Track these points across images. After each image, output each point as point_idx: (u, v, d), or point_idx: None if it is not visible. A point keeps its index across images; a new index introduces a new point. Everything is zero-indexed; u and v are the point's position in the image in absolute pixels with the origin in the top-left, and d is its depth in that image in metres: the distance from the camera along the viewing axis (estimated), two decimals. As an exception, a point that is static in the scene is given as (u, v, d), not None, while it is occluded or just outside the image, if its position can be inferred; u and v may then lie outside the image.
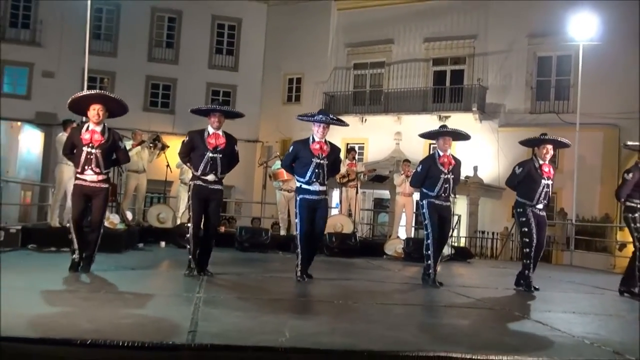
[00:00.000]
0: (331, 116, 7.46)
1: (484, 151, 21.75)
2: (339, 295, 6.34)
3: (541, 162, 7.49)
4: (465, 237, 18.98)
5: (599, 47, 16.83)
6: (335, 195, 17.35)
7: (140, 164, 11.53)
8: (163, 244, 11.30)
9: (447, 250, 11.98)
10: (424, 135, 8.15)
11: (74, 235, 6.86)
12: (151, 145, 11.87)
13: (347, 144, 22.24)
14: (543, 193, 7.42)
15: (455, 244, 13.89)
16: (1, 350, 3.25)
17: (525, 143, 8.12)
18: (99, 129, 6.78)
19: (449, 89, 24.15)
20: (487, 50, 23.34)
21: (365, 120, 24.44)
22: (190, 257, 7.07)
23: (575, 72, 17.42)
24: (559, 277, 9.55)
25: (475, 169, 20.87)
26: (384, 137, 23.93)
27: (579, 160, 15.53)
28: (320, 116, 7.23)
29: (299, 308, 5.60)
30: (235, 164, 7.46)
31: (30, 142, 12.79)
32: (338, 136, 24.32)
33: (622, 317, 6.08)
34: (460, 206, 18.11)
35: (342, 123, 7.94)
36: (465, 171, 20.18)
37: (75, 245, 6.85)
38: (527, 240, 7.49)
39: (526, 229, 7.47)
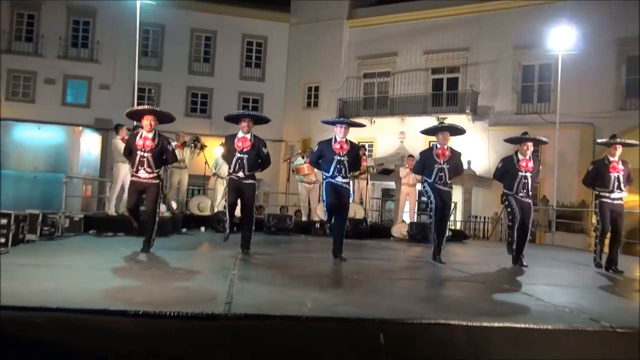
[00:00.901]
0: (350, 119, 7.49)
1: (477, 147, 21.61)
2: (353, 272, 6.34)
3: (521, 157, 7.45)
4: (461, 221, 18.88)
5: (576, 56, 16.63)
6: (349, 186, 17.34)
7: (182, 162, 11.61)
8: (203, 228, 11.37)
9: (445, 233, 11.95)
10: (425, 132, 8.11)
11: (134, 222, 7.14)
12: (192, 145, 11.93)
13: (359, 142, 22.06)
14: (521, 183, 7.39)
15: (452, 227, 13.83)
16: (65, 320, 3.28)
17: (509, 141, 8.11)
18: (150, 135, 6.91)
19: (445, 94, 23.97)
20: (478, 60, 23.15)
21: (374, 121, 24.32)
22: (226, 226, 7.26)
23: (555, 78, 17.27)
24: (543, 255, 9.47)
25: (469, 162, 20.75)
26: (390, 136, 23.87)
27: (559, 154, 15.40)
28: (341, 119, 7.28)
29: (319, 283, 5.60)
30: (267, 165, 7.38)
31: (90, 144, 12.82)
32: (350, 136, 24.18)
33: (598, 289, 6.03)
34: (456, 194, 17.96)
35: (360, 125, 7.99)
36: (461, 164, 20.13)
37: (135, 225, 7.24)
38: (511, 224, 7.55)
39: (511, 216, 7.52)
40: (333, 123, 7.43)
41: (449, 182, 7.50)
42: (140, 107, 7.36)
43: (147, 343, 3.26)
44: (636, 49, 20.09)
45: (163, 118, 7.12)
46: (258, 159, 7.24)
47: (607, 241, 7.57)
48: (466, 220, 19.38)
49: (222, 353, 3.29)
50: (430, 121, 22.33)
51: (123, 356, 3.18)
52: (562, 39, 15.61)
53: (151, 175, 6.95)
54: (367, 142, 22.46)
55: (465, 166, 20.00)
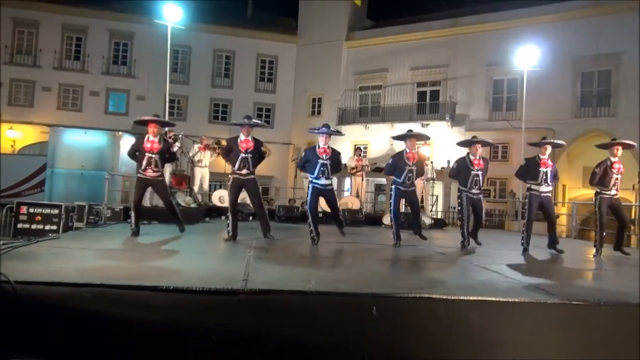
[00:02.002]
0: (331, 128, 7.38)
1: (455, 149, 21.49)
2: (351, 254, 6.34)
3: (473, 157, 7.42)
4: (441, 212, 18.83)
5: (538, 72, 16.56)
6: (347, 182, 17.43)
7: (204, 161, 11.66)
8: (223, 217, 11.35)
9: (427, 221, 11.92)
10: (396, 138, 8.05)
11: (133, 214, 6.99)
12: (214, 147, 11.95)
13: (355, 145, 22.09)
14: (474, 180, 7.36)
15: (434, 216, 13.80)
16: (108, 294, 3.29)
17: (461, 144, 7.99)
18: (156, 139, 6.89)
19: (428, 104, 23.89)
20: (456, 75, 23.08)
21: (368, 127, 24.31)
22: (228, 229, 7.08)
23: (520, 90, 17.20)
24: (511, 240, 9.44)
25: (448, 162, 20.70)
26: (382, 139, 23.74)
27: (525, 154, 15.33)
28: (323, 129, 7.20)
29: (322, 263, 5.61)
30: (262, 159, 7.36)
31: (128, 146, 12.83)
32: (349, 140, 24.26)
33: (557, 268, 6.02)
34: (437, 189, 18.03)
35: (339, 133, 7.95)
36: (441, 163, 20.11)
37: (133, 221, 6.98)
38: (460, 216, 7.66)
39: (460, 215, 7.60)
40: (316, 132, 7.35)
41: (415, 182, 7.51)
42: (145, 117, 7.15)
43: (176, 313, 3.28)
44: (589, 65, 20.10)
45: (165, 125, 7.07)
46: (258, 156, 7.18)
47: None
48: (446, 210, 19.32)
49: (240, 322, 3.30)
50: (416, 127, 22.42)
51: (156, 324, 3.20)
52: (527, 58, 15.57)
53: (157, 173, 6.93)
54: (362, 144, 22.41)
55: (444, 165, 20.18)
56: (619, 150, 7.13)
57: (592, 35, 19.42)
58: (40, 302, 3.19)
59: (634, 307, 3.64)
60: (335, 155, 7.26)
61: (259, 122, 7.47)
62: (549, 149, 7.28)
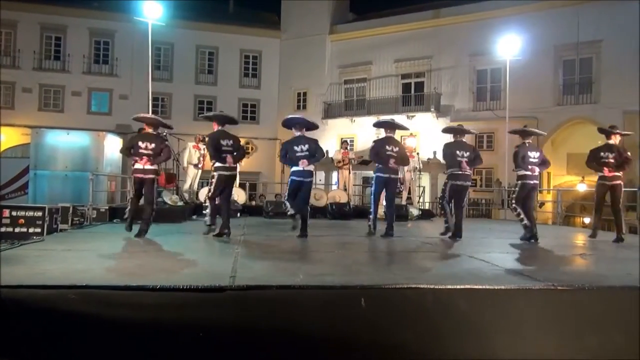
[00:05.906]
0: (228, 115, 7.36)
1: (441, 140, 21.58)
2: (338, 247, 6.36)
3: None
4: (429, 202, 18.94)
5: (521, 61, 16.68)
6: (334, 176, 17.44)
7: (195, 159, 11.65)
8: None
9: (415, 212, 11.99)
10: (284, 124, 7.81)
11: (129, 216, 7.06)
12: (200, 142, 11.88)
13: (342, 138, 22.21)
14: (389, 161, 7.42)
15: (422, 207, 13.87)
16: (93, 296, 3.26)
17: (376, 125, 8.32)
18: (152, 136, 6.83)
19: (413, 96, 23.97)
20: (440, 66, 23.18)
21: (354, 120, 24.34)
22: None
23: (504, 80, 17.29)
24: (497, 228, 9.53)
25: (435, 153, 20.81)
26: (368, 132, 23.67)
27: (510, 143, 15.44)
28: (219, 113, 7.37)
29: (309, 257, 5.61)
30: (165, 158, 7.24)
31: (112, 146, 12.65)
32: (335, 133, 24.29)
33: (543, 255, 6.08)
34: (424, 180, 18.13)
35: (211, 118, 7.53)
36: (428, 154, 20.22)
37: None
38: (372, 197, 7.68)
39: (373, 190, 7.64)
40: (208, 118, 7.30)
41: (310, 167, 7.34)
42: (142, 115, 7.05)
43: (164, 313, 3.25)
44: (570, 53, 20.28)
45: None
46: (160, 152, 6.92)
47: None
48: (433, 201, 19.41)
49: (228, 319, 3.29)
50: (401, 119, 22.46)
51: (143, 324, 3.17)
52: (509, 47, 15.67)
53: (151, 169, 6.79)
54: (348, 137, 22.42)
55: (431, 156, 20.31)
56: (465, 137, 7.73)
57: (572, 24, 19.58)
58: (25, 306, 3.14)
59: (618, 290, 3.70)
60: (236, 142, 7.10)
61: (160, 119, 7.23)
62: (466, 136, 7.74)
